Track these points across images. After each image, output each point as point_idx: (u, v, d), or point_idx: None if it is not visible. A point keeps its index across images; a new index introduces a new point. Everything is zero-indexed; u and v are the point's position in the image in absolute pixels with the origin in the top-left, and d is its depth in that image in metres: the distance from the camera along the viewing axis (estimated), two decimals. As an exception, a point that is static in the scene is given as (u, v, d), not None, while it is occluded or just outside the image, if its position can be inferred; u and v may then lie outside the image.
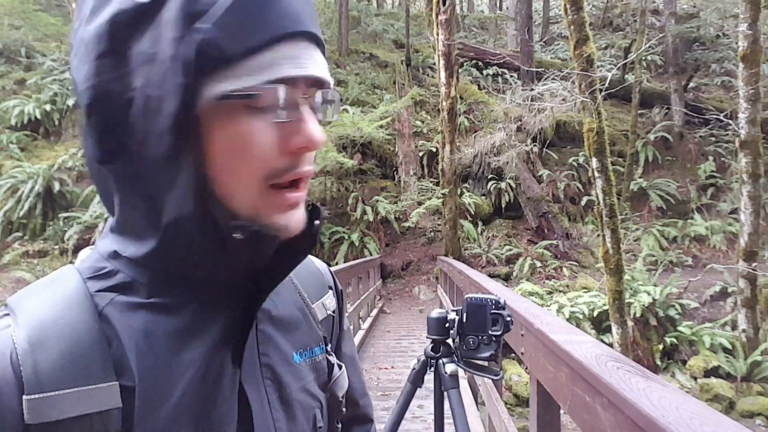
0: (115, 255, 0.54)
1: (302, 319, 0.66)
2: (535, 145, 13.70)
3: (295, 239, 0.55)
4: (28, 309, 0.50)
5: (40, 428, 0.46)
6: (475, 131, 14.18)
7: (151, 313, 0.52)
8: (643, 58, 15.89)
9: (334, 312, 0.74)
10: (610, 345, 5.70)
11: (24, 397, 0.46)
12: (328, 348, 0.69)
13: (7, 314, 0.50)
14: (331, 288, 0.76)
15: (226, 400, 0.54)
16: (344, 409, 0.71)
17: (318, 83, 0.53)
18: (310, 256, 0.76)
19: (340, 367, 0.70)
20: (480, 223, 13.02)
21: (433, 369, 1.67)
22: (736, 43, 9.21)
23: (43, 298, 0.51)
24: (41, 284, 0.54)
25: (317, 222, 0.57)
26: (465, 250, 11.68)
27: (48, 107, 14.13)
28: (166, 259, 0.52)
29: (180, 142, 0.48)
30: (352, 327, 7.40)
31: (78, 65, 0.51)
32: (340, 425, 0.71)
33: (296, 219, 0.54)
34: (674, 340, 8.82)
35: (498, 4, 26.47)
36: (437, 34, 10.90)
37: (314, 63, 0.52)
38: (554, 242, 12.28)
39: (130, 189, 0.52)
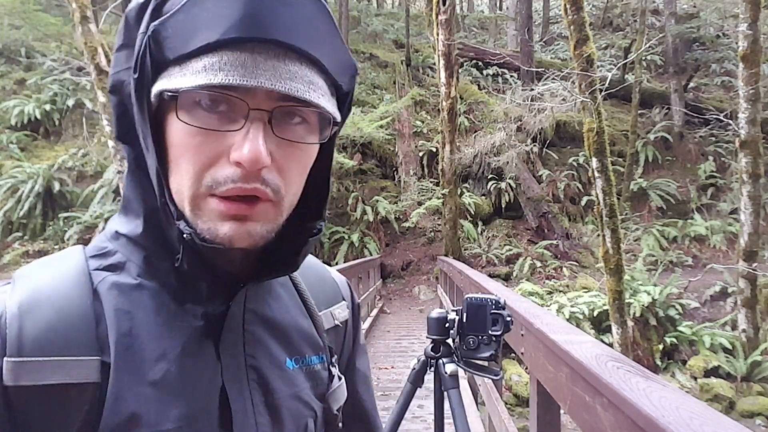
0: (116, 235, 0.57)
1: (302, 327, 0.65)
2: (535, 145, 13.70)
3: (274, 253, 0.56)
4: (28, 279, 0.53)
5: (16, 390, 0.47)
6: (475, 131, 14.18)
7: (138, 294, 0.53)
8: (643, 58, 15.89)
9: (343, 323, 0.72)
10: (610, 345, 5.70)
11: (4, 358, 0.47)
12: (333, 359, 0.68)
13: (9, 283, 0.53)
14: (344, 299, 0.74)
15: (204, 393, 0.53)
16: (341, 424, 0.68)
17: (291, 99, 0.49)
18: (328, 268, 0.77)
19: (339, 378, 0.68)
20: (480, 223, 13.02)
21: (433, 369, 1.67)
22: (736, 43, 9.21)
23: (46, 271, 0.54)
24: (48, 259, 0.56)
25: (304, 244, 0.56)
26: (465, 250, 11.67)
27: (48, 107, 14.12)
28: (150, 241, 0.55)
29: (144, 132, 0.51)
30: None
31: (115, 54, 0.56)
32: None
33: (242, 232, 0.50)
34: (674, 340, 8.83)
35: (498, 4, 26.47)
36: (437, 34, 10.89)
37: (276, 75, 0.48)
38: (554, 242, 12.28)
39: (132, 172, 0.56)
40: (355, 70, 0.57)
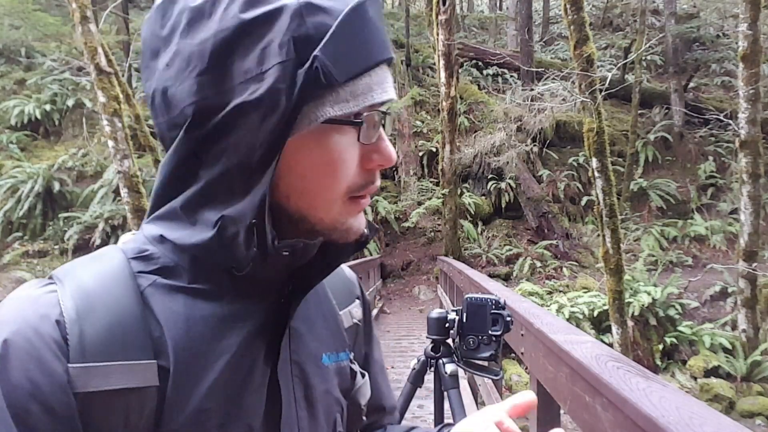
0: (161, 239, 0.55)
1: (331, 324, 0.68)
2: (535, 145, 13.70)
3: (338, 243, 0.58)
4: (75, 279, 0.51)
5: (84, 397, 0.46)
6: (475, 131, 14.17)
7: (191, 297, 0.53)
8: (643, 58, 15.88)
9: (359, 321, 0.75)
10: (610, 345, 5.70)
11: (69, 365, 0.46)
12: (352, 356, 0.70)
13: (53, 282, 0.51)
14: (358, 298, 0.77)
15: (255, 391, 0.55)
16: (365, 418, 0.71)
17: (386, 101, 0.56)
18: (342, 265, 0.78)
19: (363, 375, 0.71)
20: (480, 223, 13.02)
21: (433, 369, 1.67)
22: (736, 43, 9.21)
23: (90, 271, 0.53)
24: (87, 259, 0.55)
25: (367, 231, 0.60)
26: (465, 250, 11.67)
27: (48, 107, 14.12)
28: (213, 252, 0.53)
29: (269, 157, 0.50)
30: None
31: (176, 79, 0.51)
32: None
33: (362, 221, 0.59)
34: (674, 340, 8.82)
35: (498, 4, 26.46)
36: (437, 34, 10.89)
37: (391, 86, 0.56)
38: (554, 242, 12.27)
39: (208, 184, 0.53)
40: None
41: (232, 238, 0.52)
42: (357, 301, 0.75)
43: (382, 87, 0.54)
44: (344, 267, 0.78)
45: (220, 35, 0.48)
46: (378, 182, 0.57)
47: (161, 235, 0.55)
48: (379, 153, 0.56)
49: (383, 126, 0.57)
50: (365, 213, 0.62)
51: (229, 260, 0.53)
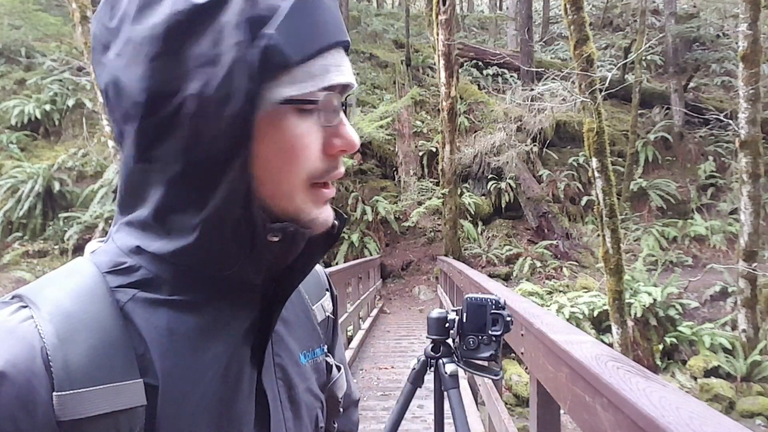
0: (137, 250, 0.53)
1: (305, 321, 0.67)
2: (535, 145, 13.70)
3: (316, 238, 0.57)
4: (49, 301, 0.49)
5: (71, 425, 0.45)
6: (475, 131, 14.17)
7: (174, 310, 0.51)
8: (643, 58, 15.88)
9: (331, 314, 0.75)
10: (610, 345, 5.70)
11: (54, 393, 0.45)
12: (326, 349, 0.70)
13: (24, 306, 0.48)
14: (327, 290, 0.77)
15: (245, 399, 0.54)
16: (342, 410, 0.72)
17: (346, 87, 0.56)
18: None
19: (338, 368, 0.71)
20: (480, 223, 13.02)
21: (433, 369, 1.67)
22: (736, 43, 9.21)
23: (64, 290, 0.50)
24: (57, 276, 0.52)
25: (338, 222, 0.59)
26: (465, 250, 11.67)
27: (48, 107, 14.12)
28: (195, 256, 0.52)
29: (235, 144, 0.48)
30: (352, 327, 7.41)
31: (126, 66, 0.49)
32: (336, 425, 0.73)
33: (329, 213, 0.57)
34: (674, 340, 8.82)
35: (498, 4, 26.47)
36: (437, 34, 10.89)
37: (349, 70, 0.56)
38: (554, 242, 12.28)
39: (172, 187, 0.51)
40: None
41: (217, 239, 0.50)
42: (327, 294, 0.75)
43: (339, 69, 0.53)
44: None
45: (173, 18, 0.47)
46: (342, 169, 0.56)
47: (138, 246, 0.53)
48: (340, 137, 0.54)
49: (345, 111, 0.56)
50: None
51: (213, 261, 0.52)
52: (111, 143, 8.05)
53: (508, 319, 1.49)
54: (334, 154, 0.55)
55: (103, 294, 0.50)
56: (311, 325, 0.68)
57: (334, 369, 0.70)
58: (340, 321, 0.82)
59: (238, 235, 0.51)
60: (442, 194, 11.24)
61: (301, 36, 0.49)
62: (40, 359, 0.45)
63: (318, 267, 0.77)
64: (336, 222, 0.59)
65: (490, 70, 17.50)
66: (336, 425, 0.72)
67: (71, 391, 0.45)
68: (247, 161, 0.49)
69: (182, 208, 0.51)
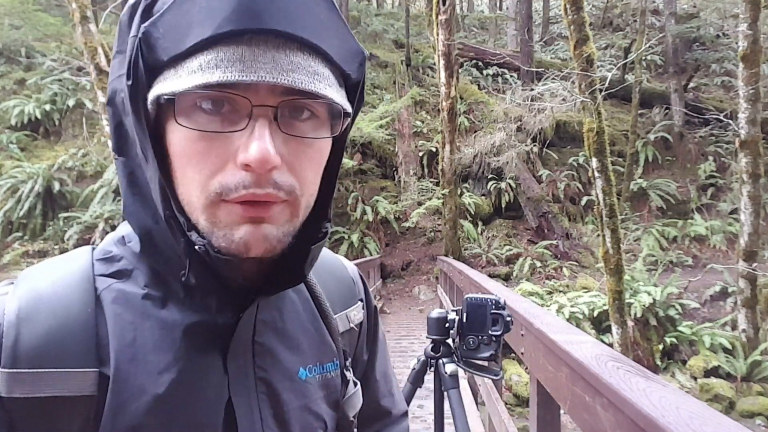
0: (123, 241, 0.53)
1: (314, 333, 0.62)
2: (535, 145, 13.70)
3: (286, 259, 0.51)
4: (30, 281, 0.50)
5: (11, 402, 0.45)
6: (475, 131, 14.17)
7: (143, 304, 0.51)
8: (643, 58, 15.88)
9: (358, 326, 0.69)
10: (610, 345, 5.70)
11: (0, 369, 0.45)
12: (347, 363, 0.65)
13: (12, 283, 0.50)
14: (361, 300, 0.71)
15: (209, 408, 0.51)
16: (355, 430, 0.66)
17: (296, 92, 0.46)
18: (345, 262, 0.73)
19: (355, 384, 0.66)
20: (480, 223, 13.02)
21: (433, 369, 1.67)
22: (736, 43, 9.21)
23: (50, 273, 0.51)
24: (56, 260, 0.54)
25: (313, 247, 0.53)
26: (465, 250, 11.67)
27: (48, 107, 14.12)
28: (151, 256, 0.51)
29: (143, 142, 0.47)
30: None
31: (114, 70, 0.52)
32: None
33: (258, 236, 0.47)
34: (674, 340, 8.82)
35: (498, 4, 26.46)
36: (437, 34, 10.89)
37: (277, 67, 0.45)
38: (554, 242, 12.27)
39: (129, 183, 0.51)
40: (363, 58, 0.53)
41: (157, 242, 0.49)
42: (359, 304, 0.70)
43: (239, 65, 0.43)
44: (346, 265, 0.72)
45: (122, 17, 0.49)
46: (265, 190, 0.46)
47: (123, 237, 0.53)
48: (244, 150, 0.45)
49: (276, 116, 0.46)
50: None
51: (168, 265, 0.50)
52: (111, 143, 8.04)
53: (508, 319, 1.49)
54: (246, 168, 0.46)
55: (83, 280, 0.50)
56: (322, 337, 0.63)
57: (350, 384, 0.65)
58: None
59: (176, 239, 0.48)
60: (442, 194, 11.24)
61: (180, 28, 0.44)
62: None
63: (353, 273, 0.72)
64: (327, 226, 0.55)
65: (490, 70, 17.49)
66: None
67: (14, 370, 0.45)
68: (159, 164, 0.47)
69: (139, 202, 0.51)
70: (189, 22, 0.44)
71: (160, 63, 0.45)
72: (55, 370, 0.46)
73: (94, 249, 0.54)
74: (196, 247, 0.47)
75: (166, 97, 0.45)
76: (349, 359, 0.66)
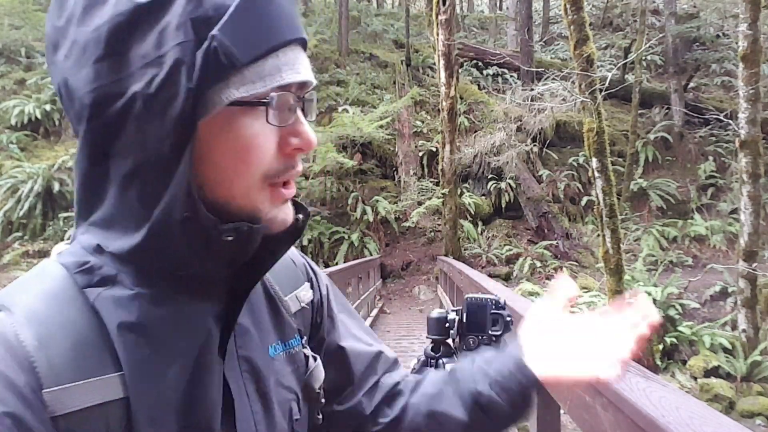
0: (99, 249, 0.53)
1: (275, 312, 0.67)
2: (535, 145, 13.69)
3: (278, 234, 0.57)
4: (23, 306, 0.50)
5: (65, 419, 0.47)
6: (475, 131, 14.17)
7: (137, 305, 0.52)
8: (643, 58, 15.87)
9: (308, 304, 0.74)
10: (610, 345, 5.69)
11: (43, 391, 0.46)
12: (303, 341, 0.70)
13: None
14: (308, 281, 0.76)
15: (212, 392, 0.54)
16: (323, 401, 0.71)
17: (304, 85, 0.56)
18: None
19: (315, 359, 0.71)
20: (480, 223, 13.02)
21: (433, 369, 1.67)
22: (736, 43, 9.20)
23: (36, 294, 0.51)
24: (28, 280, 0.54)
25: (301, 216, 0.60)
26: (465, 250, 11.67)
27: (48, 107, 14.12)
28: (148, 255, 0.52)
29: (180, 145, 0.48)
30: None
31: (73, 68, 0.50)
32: (321, 416, 0.72)
33: (288, 212, 0.57)
34: (674, 340, 8.82)
35: (498, 4, 26.45)
36: (437, 34, 10.89)
37: (306, 67, 0.55)
38: (554, 242, 12.28)
39: (123, 187, 0.51)
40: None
41: (168, 238, 0.51)
42: (306, 284, 0.74)
43: (294, 68, 0.53)
44: (289, 252, 0.75)
45: (115, 20, 0.47)
46: (299, 167, 0.56)
47: (98, 245, 0.53)
48: (297, 136, 0.55)
49: (303, 109, 0.56)
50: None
51: (168, 260, 0.52)
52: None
53: (508, 319, 1.49)
54: (290, 153, 0.55)
55: (73, 295, 0.51)
56: (282, 316, 0.68)
57: (311, 360, 0.70)
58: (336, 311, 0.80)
59: (188, 235, 0.51)
60: (442, 194, 11.24)
61: (249, 36, 0.49)
62: (25, 361, 0.46)
63: (297, 257, 0.77)
64: (300, 216, 0.60)
65: (490, 70, 17.49)
66: (321, 417, 0.71)
67: (59, 387, 0.47)
68: (191, 163, 0.49)
69: (134, 205, 0.51)
70: (252, 31, 0.50)
71: (224, 68, 0.48)
72: (90, 380, 0.49)
73: (62, 263, 0.54)
74: (241, 229, 0.53)
75: (249, 99, 0.50)
76: (305, 337, 0.71)
